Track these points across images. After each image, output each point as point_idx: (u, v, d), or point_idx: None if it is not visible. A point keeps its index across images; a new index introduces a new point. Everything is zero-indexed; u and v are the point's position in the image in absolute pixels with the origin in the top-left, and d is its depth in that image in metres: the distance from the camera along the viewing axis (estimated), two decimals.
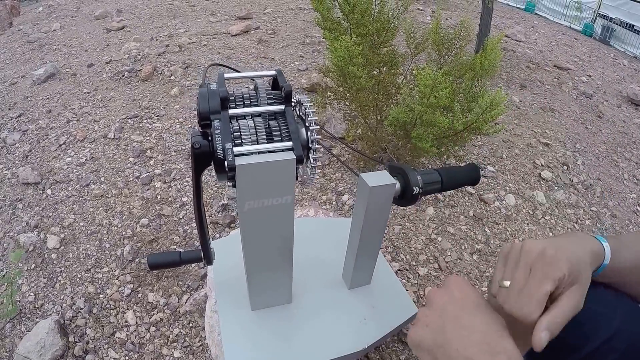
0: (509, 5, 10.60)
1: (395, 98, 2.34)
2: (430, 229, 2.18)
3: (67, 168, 2.83)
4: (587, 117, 3.91)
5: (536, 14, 10.42)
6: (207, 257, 0.99)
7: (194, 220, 2.22)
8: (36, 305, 1.97)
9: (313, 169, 0.82)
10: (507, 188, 2.58)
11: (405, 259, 2.00)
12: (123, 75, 4.09)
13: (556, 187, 2.70)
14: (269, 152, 0.77)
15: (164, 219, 2.30)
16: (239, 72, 0.96)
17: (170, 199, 2.44)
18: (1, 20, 8.53)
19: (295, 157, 0.76)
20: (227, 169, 0.74)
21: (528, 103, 3.93)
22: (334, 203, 2.33)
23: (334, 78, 2.18)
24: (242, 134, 0.78)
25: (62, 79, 4.31)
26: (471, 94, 2.15)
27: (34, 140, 3.23)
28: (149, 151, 2.88)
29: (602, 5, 9.61)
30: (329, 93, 2.36)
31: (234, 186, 0.80)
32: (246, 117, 0.82)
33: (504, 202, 2.46)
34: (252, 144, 0.78)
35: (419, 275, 1.92)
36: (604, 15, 9.37)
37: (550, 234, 2.31)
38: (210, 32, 5.39)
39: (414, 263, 1.99)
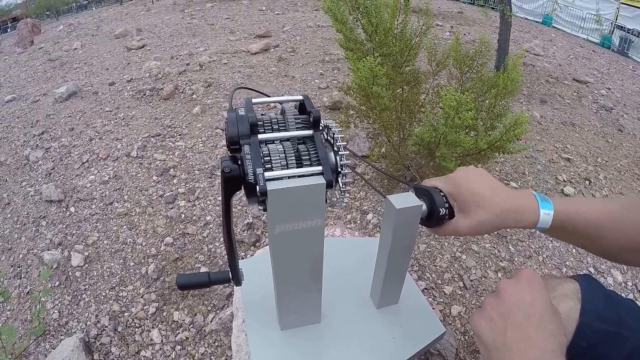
0: (526, 19, 10.62)
1: (418, 116, 2.35)
2: (454, 247, 2.16)
3: (91, 186, 2.86)
4: (607, 130, 3.88)
5: (554, 27, 10.40)
6: (235, 278, 1.00)
7: (217, 239, 2.24)
8: (60, 323, 1.98)
9: (343, 193, 0.83)
10: None
11: (431, 278, 1.99)
12: (144, 94, 4.14)
13: None
14: (299, 176, 0.78)
15: (188, 238, 2.32)
16: (267, 96, 0.97)
17: (194, 217, 2.46)
18: (23, 39, 8.73)
19: (325, 181, 0.77)
20: (258, 194, 0.75)
21: (549, 118, 3.91)
22: (358, 222, 2.33)
23: (356, 97, 2.18)
24: (272, 158, 0.79)
25: (84, 97, 4.39)
26: (494, 112, 2.14)
27: (57, 158, 3.28)
28: (172, 170, 2.91)
29: (620, 17, 9.58)
30: (351, 112, 2.37)
31: (265, 210, 0.81)
32: (275, 142, 0.83)
33: None
34: (282, 169, 0.78)
35: (445, 293, 1.91)
36: (622, 27, 9.33)
37: (574, 250, 2.28)
38: (230, 51, 5.44)
39: (439, 282, 1.97)
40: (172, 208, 2.54)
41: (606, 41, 9.15)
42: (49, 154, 3.38)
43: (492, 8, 9.12)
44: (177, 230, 2.36)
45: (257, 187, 0.75)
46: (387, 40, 2.16)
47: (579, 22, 10.01)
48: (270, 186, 0.75)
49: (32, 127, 3.90)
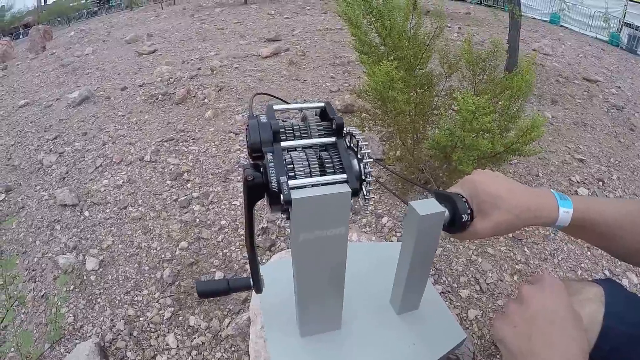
0: (534, 18, 10.56)
1: (432, 119, 2.34)
2: (470, 250, 2.15)
3: (105, 190, 2.88)
4: (619, 130, 3.85)
5: (561, 25, 10.37)
6: (257, 285, 1.00)
7: (232, 244, 2.24)
8: (75, 327, 1.98)
9: (367, 201, 0.82)
10: None
11: (447, 282, 1.98)
12: (157, 99, 4.16)
13: None
14: (322, 184, 0.78)
15: (203, 242, 2.32)
16: (286, 102, 0.97)
17: (209, 222, 2.46)
18: (35, 45, 8.83)
19: (350, 189, 0.77)
20: (282, 202, 0.75)
21: (560, 118, 3.89)
22: (373, 226, 2.32)
23: (370, 101, 2.18)
24: (296, 166, 0.78)
25: (97, 102, 4.41)
26: (508, 114, 2.14)
27: (71, 162, 3.30)
28: (185, 174, 2.92)
29: (627, 14, 9.54)
30: (364, 115, 2.37)
31: (288, 218, 0.80)
32: (297, 149, 0.83)
33: None
34: (305, 177, 0.78)
35: (461, 297, 1.90)
36: (630, 24, 9.29)
37: (589, 253, 2.27)
38: (240, 55, 5.46)
39: (455, 285, 1.96)
40: (186, 212, 2.54)
41: (615, 39, 9.09)
42: (63, 158, 3.40)
43: (500, 8, 9.10)
44: (192, 234, 2.37)
45: (282, 196, 0.74)
46: (401, 43, 2.15)
47: (587, 20, 9.96)
48: (295, 195, 0.74)
49: (45, 131, 3.93)
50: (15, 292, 2.20)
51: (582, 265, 2.19)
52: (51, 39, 10.04)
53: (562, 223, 0.87)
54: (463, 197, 0.92)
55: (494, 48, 2.26)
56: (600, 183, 2.89)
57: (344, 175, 0.78)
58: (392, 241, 2.18)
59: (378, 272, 1.31)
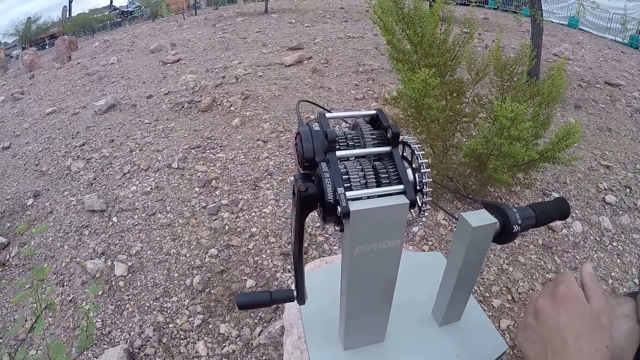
0: (552, 22, 10.45)
1: (460, 126, 2.33)
2: (501, 259, 2.13)
3: (133, 196, 2.90)
4: None
5: (580, 29, 10.28)
6: (300, 296, 0.98)
7: (264, 251, 2.23)
8: (104, 332, 2.00)
9: (422, 212, 0.80)
10: (574, 215, 2.51)
11: (479, 291, 1.96)
12: (183, 106, 4.19)
13: (621, 212, 2.61)
14: (379, 196, 0.75)
15: (233, 250, 2.32)
16: (328, 111, 0.95)
17: (238, 229, 2.47)
18: (61, 54, 8.98)
19: (408, 201, 0.75)
20: (339, 214, 0.72)
21: (585, 124, 3.83)
22: (404, 234, 2.29)
23: (405, 109, 2.17)
24: (351, 177, 0.76)
25: (123, 110, 4.46)
26: (538, 121, 2.12)
27: (98, 168, 3.33)
28: (214, 181, 2.94)
29: None
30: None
31: (341, 230, 0.79)
32: (350, 159, 0.80)
33: (571, 229, 2.40)
34: (361, 188, 0.75)
35: (494, 307, 1.88)
36: None
37: (619, 260, 2.23)
38: (264, 63, 5.49)
39: (487, 295, 1.94)
40: (215, 219, 2.55)
41: (634, 41, 8.96)
42: (90, 164, 3.43)
43: (514, 12, 9.03)
44: (222, 241, 2.37)
45: (339, 208, 0.72)
46: (432, 50, 2.15)
47: (606, 22, 9.84)
48: (353, 207, 0.72)
49: (72, 138, 3.98)
50: (43, 295, 2.22)
51: (612, 274, 2.16)
52: (76, 49, 10.20)
53: None
54: (513, 206, 0.90)
55: (521, 53, 2.24)
56: (628, 190, 2.84)
57: (401, 186, 0.76)
58: (424, 250, 2.17)
59: (416, 282, 1.29)
